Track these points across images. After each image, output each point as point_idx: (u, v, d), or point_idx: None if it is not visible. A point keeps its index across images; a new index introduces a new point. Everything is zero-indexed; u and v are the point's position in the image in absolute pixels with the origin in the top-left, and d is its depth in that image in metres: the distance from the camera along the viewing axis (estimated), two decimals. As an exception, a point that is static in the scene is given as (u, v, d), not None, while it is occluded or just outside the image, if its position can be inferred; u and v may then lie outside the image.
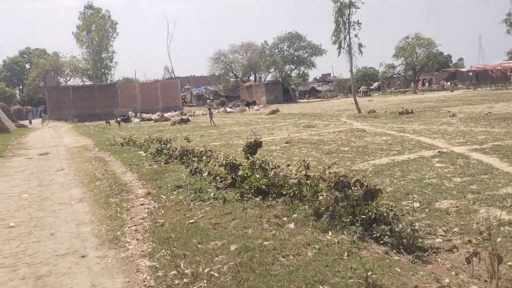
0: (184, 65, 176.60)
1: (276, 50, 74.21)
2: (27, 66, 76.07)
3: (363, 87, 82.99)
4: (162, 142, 11.85)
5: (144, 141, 14.21)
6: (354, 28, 28.98)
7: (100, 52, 63.13)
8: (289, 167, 6.59)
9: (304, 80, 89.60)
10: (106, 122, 32.35)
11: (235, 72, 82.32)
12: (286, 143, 16.55)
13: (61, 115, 49.59)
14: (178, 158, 10.18)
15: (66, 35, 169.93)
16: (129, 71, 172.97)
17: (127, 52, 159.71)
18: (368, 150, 13.23)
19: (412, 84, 70.62)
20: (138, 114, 48.59)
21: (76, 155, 13.97)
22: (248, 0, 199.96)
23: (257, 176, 5.93)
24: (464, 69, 67.78)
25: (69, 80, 68.36)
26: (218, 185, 6.35)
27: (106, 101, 54.58)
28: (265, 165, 6.22)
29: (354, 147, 14.04)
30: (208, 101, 72.80)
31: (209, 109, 33.18)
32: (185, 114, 50.20)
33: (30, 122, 49.03)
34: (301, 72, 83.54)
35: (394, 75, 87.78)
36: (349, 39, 29.32)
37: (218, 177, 6.57)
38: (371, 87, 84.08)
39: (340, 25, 29.39)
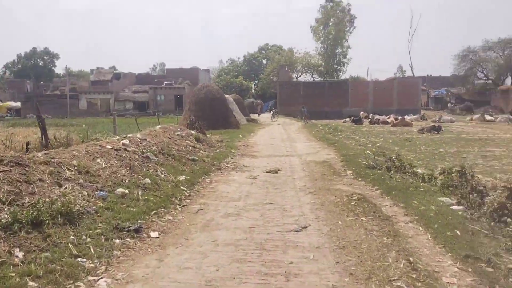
0: (420, 63, 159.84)
1: (552, 47, 56.84)
2: (264, 61, 79.23)
3: None
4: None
5: (443, 172, 7.68)
6: None
7: (334, 47, 59.56)
8: None
9: None
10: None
11: (485, 73, 67.51)
12: None
13: (290, 111, 47.60)
14: None
15: (301, 33, 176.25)
16: (357, 68, 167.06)
17: (359, 49, 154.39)
18: None
19: None
20: (371, 115, 42.34)
21: (321, 184, 8.54)
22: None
23: None
24: None
25: (300, 76, 67.48)
26: None
27: (335, 99, 50.35)
28: None
29: None
30: (449, 105, 61.50)
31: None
32: (426, 119, 41.66)
33: (259, 115, 48.95)
34: None
35: None
36: None
37: None
38: None
39: None
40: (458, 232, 4.99)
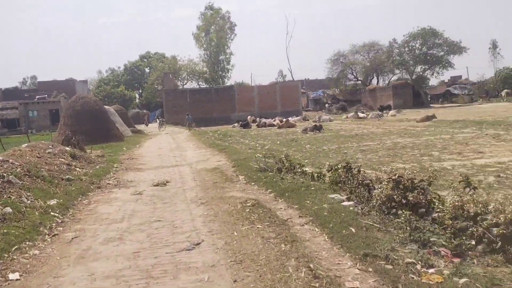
0: (298, 68, 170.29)
1: (406, 49, 64.20)
2: (147, 70, 76.76)
3: (505, 90, 69.13)
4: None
5: (330, 169, 7.80)
6: None
7: (218, 54, 60.14)
8: None
9: (424, 83, 77.49)
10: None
11: (355, 75, 74.19)
12: None
13: (178, 119, 46.56)
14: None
15: (183, 40, 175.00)
16: (241, 75, 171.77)
17: (241, 55, 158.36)
18: None
19: None
20: (258, 118, 43.34)
21: (214, 193, 8.10)
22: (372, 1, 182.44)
23: None
24: None
25: (186, 83, 66.72)
26: None
27: (223, 105, 50.67)
28: None
29: None
30: (326, 105, 66.20)
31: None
32: (308, 119, 44.01)
33: (147, 125, 47.11)
34: (434, 73, 72.06)
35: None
36: None
37: None
38: (513, 90, 69.39)
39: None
40: (353, 230, 4.93)
